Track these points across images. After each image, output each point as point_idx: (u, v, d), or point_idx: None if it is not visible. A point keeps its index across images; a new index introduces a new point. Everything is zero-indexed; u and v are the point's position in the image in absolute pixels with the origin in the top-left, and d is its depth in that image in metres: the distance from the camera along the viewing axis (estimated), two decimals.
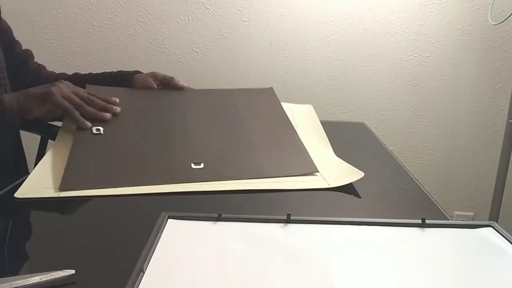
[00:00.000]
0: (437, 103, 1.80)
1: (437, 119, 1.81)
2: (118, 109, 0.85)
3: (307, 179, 0.73)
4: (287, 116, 0.94)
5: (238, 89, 1.08)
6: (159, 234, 0.51)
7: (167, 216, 0.55)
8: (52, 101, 0.79)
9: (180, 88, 1.01)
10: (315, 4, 1.69)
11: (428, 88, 1.78)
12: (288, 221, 0.56)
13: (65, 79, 1.00)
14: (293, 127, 0.90)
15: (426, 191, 0.73)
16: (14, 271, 0.47)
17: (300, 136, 0.87)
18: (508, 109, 1.53)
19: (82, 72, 1.08)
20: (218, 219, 0.56)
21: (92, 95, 0.85)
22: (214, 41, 1.73)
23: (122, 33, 1.72)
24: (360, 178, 0.72)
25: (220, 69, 1.76)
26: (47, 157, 0.76)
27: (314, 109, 1.06)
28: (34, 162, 1.01)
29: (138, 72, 1.05)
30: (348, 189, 0.70)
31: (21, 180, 0.68)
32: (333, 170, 0.76)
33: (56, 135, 0.83)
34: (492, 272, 0.47)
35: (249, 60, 1.75)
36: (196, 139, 0.83)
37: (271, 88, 1.07)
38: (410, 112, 1.81)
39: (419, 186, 0.75)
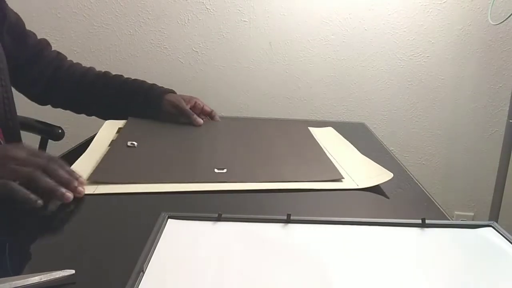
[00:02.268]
0: (437, 103, 1.79)
1: (437, 119, 1.81)
2: (83, 191, 0.65)
3: (336, 183, 0.73)
4: (312, 135, 0.98)
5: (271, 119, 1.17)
6: (159, 234, 0.51)
7: (167, 216, 0.55)
8: None
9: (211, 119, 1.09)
10: (315, 4, 1.69)
11: (428, 88, 1.78)
12: (288, 221, 0.56)
13: (93, 76, 1.05)
14: (317, 143, 0.93)
15: (426, 191, 0.73)
16: (14, 271, 0.47)
17: (325, 147, 0.89)
18: (508, 109, 1.53)
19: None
20: (218, 219, 0.56)
21: (55, 161, 0.66)
22: (214, 41, 1.73)
23: (122, 33, 1.72)
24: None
25: (220, 69, 1.76)
26: (84, 156, 0.81)
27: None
28: None
29: (171, 91, 1.06)
30: (374, 189, 0.72)
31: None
32: (362, 171, 0.77)
33: (56, 135, 0.84)
34: (492, 272, 0.47)
35: (249, 60, 1.75)
36: (222, 149, 0.87)
37: (305, 123, 1.10)
38: (410, 112, 1.81)
39: (419, 186, 0.75)
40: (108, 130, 0.95)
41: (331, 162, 0.82)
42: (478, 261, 0.50)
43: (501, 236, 0.53)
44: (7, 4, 0.94)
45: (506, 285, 0.45)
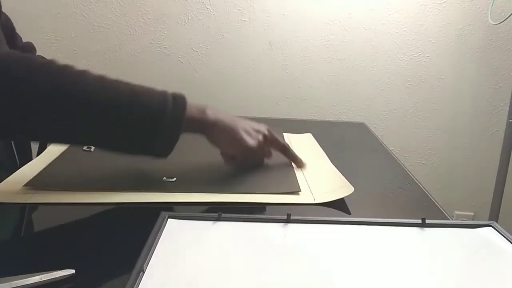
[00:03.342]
0: (437, 103, 1.80)
1: (437, 119, 1.81)
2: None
3: (293, 196, 0.68)
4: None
5: None
6: (159, 234, 0.51)
7: (167, 216, 0.55)
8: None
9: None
10: (315, 4, 1.69)
11: (428, 88, 1.78)
12: (288, 221, 0.56)
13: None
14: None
15: (426, 191, 0.73)
16: (14, 271, 0.47)
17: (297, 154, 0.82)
18: (508, 109, 1.53)
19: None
20: (218, 219, 0.56)
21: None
22: (214, 41, 1.73)
23: (122, 33, 1.72)
24: (361, 179, 0.72)
25: (220, 69, 1.76)
26: (36, 160, 0.77)
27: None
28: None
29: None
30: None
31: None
32: (324, 184, 0.71)
33: None
34: (492, 272, 0.47)
35: (249, 60, 1.75)
36: (176, 155, 0.73)
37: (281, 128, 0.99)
38: (410, 112, 1.81)
39: (419, 186, 0.75)
40: None
41: (293, 173, 0.76)
42: (478, 261, 0.50)
43: (501, 236, 0.53)
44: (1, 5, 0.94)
45: (506, 285, 0.45)
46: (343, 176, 0.72)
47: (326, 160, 0.82)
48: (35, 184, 0.66)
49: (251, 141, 0.72)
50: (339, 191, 0.67)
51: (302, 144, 0.94)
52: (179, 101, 0.66)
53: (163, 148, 0.66)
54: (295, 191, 0.68)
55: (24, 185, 0.65)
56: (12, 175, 0.71)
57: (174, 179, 0.70)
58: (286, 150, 0.79)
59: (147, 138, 0.64)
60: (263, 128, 0.76)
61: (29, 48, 1.03)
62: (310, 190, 0.70)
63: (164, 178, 0.70)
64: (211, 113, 0.69)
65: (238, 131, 0.71)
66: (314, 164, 0.80)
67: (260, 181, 0.72)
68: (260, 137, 0.74)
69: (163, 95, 0.66)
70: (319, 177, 0.75)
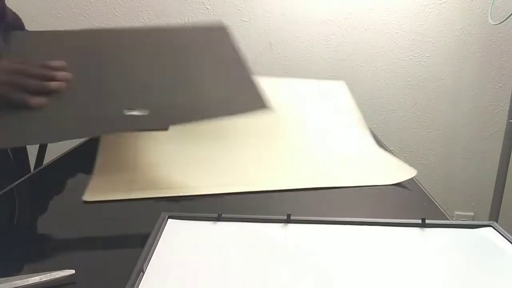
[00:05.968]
0: (437, 103, 1.79)
1: (437, 119, 1.81)
2: (70, 74, 0.66)
3: (363, 176, 0.69)
4: (238, 52, 0.82)
5: (185, 27, 0.93)
6: (159, 234, 0.51)
7: (167, 216, 0.55)
8: None
9: None
10: (315, 4, 1.69)
11: (428, 88, 1.78)
12: (288, 221, 0.56)
13: None
14: (244, 62, 0.79)
15: (426, 191, 0.73)
16: (14, 271, 0.47)
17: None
18: (508, 109, 1.53)
19: None
20: (218, 219, 0.56)
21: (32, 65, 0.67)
22: None
23: None
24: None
25: None
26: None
27: None
28: (34, 161, 1.01)
29: None
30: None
31: (25, 177, 0.68)
32: (382, 166, 0.73)
33: None
34: (492, 272, 0.47)
35: (249, 60, 1.75)
36: (132, 80, 0.67)
37: (224, 26, 0.88)
38: (410, 112, 1.81)
39: (419, 186, 0.75)
40: None
41: (258, 85, 0.71)
42: (478, 261, 0.50)
43: (501, 236, 0.53)
44: (5, 4, 0.94)
45: (506, 285, 0.45)
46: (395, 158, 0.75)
47: (368, 135, 0.82)
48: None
49: None
50: (402, 173, 0.70)
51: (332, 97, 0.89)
52: None
53: None
54: (265, 107, 0.65)
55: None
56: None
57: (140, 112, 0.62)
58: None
59: None
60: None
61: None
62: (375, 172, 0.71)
63: (125, 111, 0.62)
64: None
65: None
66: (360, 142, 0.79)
67: (227, 100, 0.68)
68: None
69: None
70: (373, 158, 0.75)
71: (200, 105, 0.67)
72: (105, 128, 0.63)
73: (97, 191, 0.66)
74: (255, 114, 0.66)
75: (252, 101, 0.68)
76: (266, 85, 0.75)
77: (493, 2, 1.58)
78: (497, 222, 0.55)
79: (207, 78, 0.73)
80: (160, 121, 0.63)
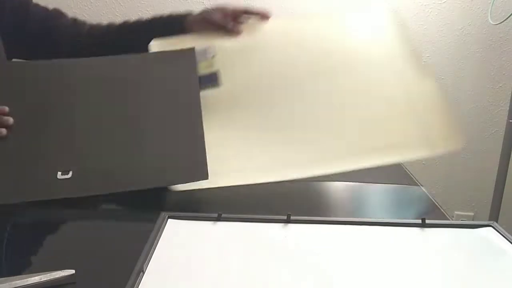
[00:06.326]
0: None
1: None
2: (11, 119, 0.64)
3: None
4: (195, 95, 0.72)
5: (147, 57, 0.81)
6: (159, 234, 0.51)
7: (167, 216, 0.55)
8: None
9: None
10: (315, 4, 1.69)
11: None
12: (288, 221, 0.56)
13: (115, 31, 1.00)
14: (197, 112, 0.70)
15: (426, 191, 0.73)
16: (14, 271, 0.47)
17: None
18: (508, 109, 1.53)
19: None
20: (218, 219, 0.56)
21: None
22: None
23: None
24: (361, 179, 0.71)
25: None
26: None
27: None
28: None
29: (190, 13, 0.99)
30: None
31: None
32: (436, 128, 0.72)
33: None
34: (492, 272, 0.47)
35: None
36: (71, 136, 0.63)
37: (191, 50, 0.79)
38: None
39: (419, 186, 0.75)
40: None
41: (203, 149, 0.65)
42: (478, 261, 0.50)
43: (501, 236, 0.53)
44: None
45: (506, 285, 0.45)
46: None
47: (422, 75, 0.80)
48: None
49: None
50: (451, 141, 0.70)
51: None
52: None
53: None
54: (202, 179, 0.63)
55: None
56: None
57: (70, 174, 0.61)
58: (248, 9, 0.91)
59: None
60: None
61: (54, 16, 1.00)
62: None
63: (59, 174, 0.60)
64: None
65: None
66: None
67: (162, 170, 0.65)
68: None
69: None
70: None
71: (131, 172, 0.64)
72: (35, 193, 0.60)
73: None
74: (190, 182, 0.64)
75: (190, 171, 0.65)
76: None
77: (493, 2, 1.58)
78: (497, 222, 0.55)
79: (150, 135, 0.68)
80: (80, 186, 0.60)
